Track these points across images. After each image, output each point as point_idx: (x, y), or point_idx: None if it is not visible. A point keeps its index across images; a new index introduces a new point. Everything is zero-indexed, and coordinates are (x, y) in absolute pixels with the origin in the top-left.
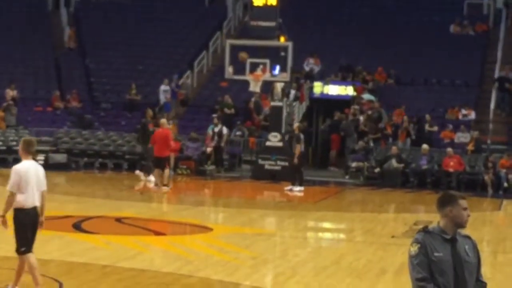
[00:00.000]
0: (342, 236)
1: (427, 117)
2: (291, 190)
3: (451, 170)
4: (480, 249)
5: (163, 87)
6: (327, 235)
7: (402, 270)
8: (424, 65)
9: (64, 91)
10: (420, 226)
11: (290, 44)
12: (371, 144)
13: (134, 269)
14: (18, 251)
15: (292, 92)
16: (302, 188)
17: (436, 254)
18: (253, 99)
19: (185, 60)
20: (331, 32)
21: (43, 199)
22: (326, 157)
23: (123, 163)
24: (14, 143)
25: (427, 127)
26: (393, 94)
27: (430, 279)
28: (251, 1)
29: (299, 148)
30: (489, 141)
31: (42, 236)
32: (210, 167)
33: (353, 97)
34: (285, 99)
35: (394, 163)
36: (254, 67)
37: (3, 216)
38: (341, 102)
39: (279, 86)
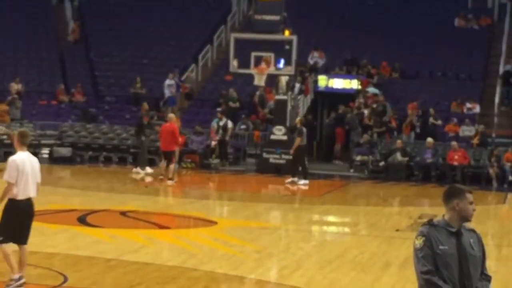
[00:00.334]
0: (346, 229)
1: (431, 110)
2: (292, 183)
3: (455, 163)
4: (485, 242)
5: (167, 81)
6: (332, 228)
7: (407, 264)
8: (428, 59)
9: (69, 84)
10: (425, 220)
11: (294, 38)
12: (376, 137)
13: (138, 263)
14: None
15: (297, 85)
16: (306, 181)
17: (441, 247)
18: (257, 93)
19: (190, 53)
20: (336, 25)
21: (36, 191)
22: (330, 150)
23: (128, 156)
24: None
25: (431, 120)
26: (397, 88)
27: (435, 272)
28: None
29: (298, 141)
30: (494, 135)
31: (47, 230)
32: (214, 161)
33: (357, 91)
34: (289, 92)
35: (398, 156)
36: (258, 60)
37: None
38: (346, 96)
39: (283, 80)
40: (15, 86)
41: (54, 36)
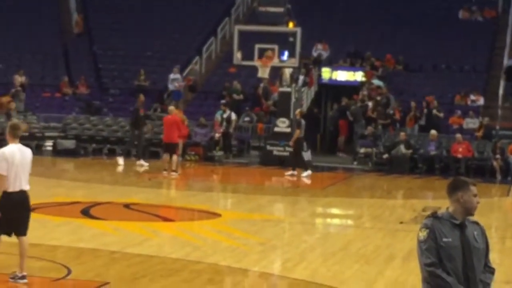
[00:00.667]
0: (350, 222)
1: (435, 102)
2: (291, 175)
3: (459, 156)
4: (488, 235)
5: (172, 75)
6: (335, 221)
7: (410, 256)
8: (432, 51)
9: (73, 77)
10: (428, 212)
11: (298, 30)
12: (380, 129)
13: (142, 255)
14: None
15: (301, 77)
16: (309, 172)
17: (444, 239)
18: (261, 85)
19: (194, 46)
20: (340, 18)
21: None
22: (334, 143)
23: (132, 149)
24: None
25: (434, 112)
26: (401, 80)
27: (439, 264)
28: None
29: (297, 133)
30: (497, 127)
31: (50, 222)
32: (218, 153)
33: (361, 83)
34: (293, 84)
35: (402, 149)
36: (262, 52)
37: None
38: (350, 88)
39: (287, 72)
40: (19, 79)
41: (58, 28)
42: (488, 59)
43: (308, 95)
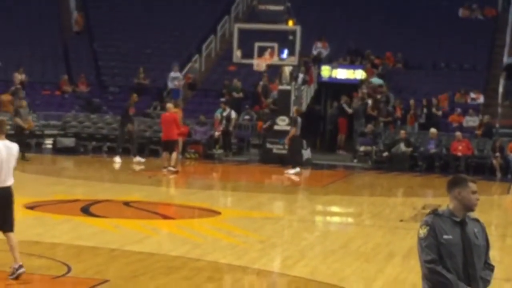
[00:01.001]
0: (350, 220)
1: (434, 100)
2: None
3: (459, 154)
4: (489, 232)
5: (172, 74)
6: (335, 219)
7: (411, 254)
8: (432, 49)
9: (72, 75)
10: (428, 210)
11: (298, 28)
12: (381, 126)
13: (142, 253)
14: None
15: (300, 75)
16: (298, 170)
17: (445, 236)
18: (261, 83)
19: (193, 44)
20: (339, 15)
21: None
22: (334, 141)
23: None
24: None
25: (433, 110)
26: (401, 78)
27: (439, 261)
28: None
29: (293, 131)
30: (497, 125)
31: (50, 220)
32: (218, 151)
33: (361, 81)
34: (293, 82)
35: (402, 147)
36: (262, 51)
37: None
38: (349, 86)
39: (287, 70)
40: (19, 76)
41: (57, 26)
42: (488, 58)
43: (308, 93)
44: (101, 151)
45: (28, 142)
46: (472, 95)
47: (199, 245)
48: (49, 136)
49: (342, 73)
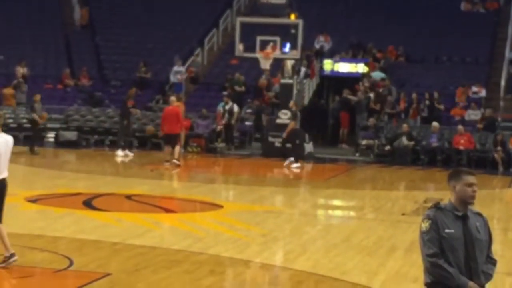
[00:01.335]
0: (352, 213)
1: (435, 94)
2: (297, 167)
3: (461, 147)
4: (491, 226)
5: (175, 68)
6: (337, 212)
7: (413, 248)
8: (434, 43)
9: (74, 68)
10: (430, 204)
11: (300, 22)
12: (386, 118)
13: (144, 246)
14: None
15: (303, 69)
16: (292, 158)
17: (447, 230)
18: (263, 77)
19: (195, 37)
20: (341, 9)
21: None
22: (336, 134)
23: (133, 140)
24: (25, 120)
25: (435, 104)
26: (403, 72)
27: (441, 255)
28: None
29: (292, 125)
30: (499, 119)
31: (52, 213)
32: (220, 145)
33: (363, 74)
34: (295, 76)
35: (404, 140)
36: (264, 44)
37: None
38: (352, 80)
39: (289, 64)
40: (21, 70)
41: (59, 20)
42: (490, 51)
43: (310, 87)
44: (103, 145)
45: (41, 136)
46: (474, 88)
47: (201, 239)
48: (51, 129)
49: (344, 67)
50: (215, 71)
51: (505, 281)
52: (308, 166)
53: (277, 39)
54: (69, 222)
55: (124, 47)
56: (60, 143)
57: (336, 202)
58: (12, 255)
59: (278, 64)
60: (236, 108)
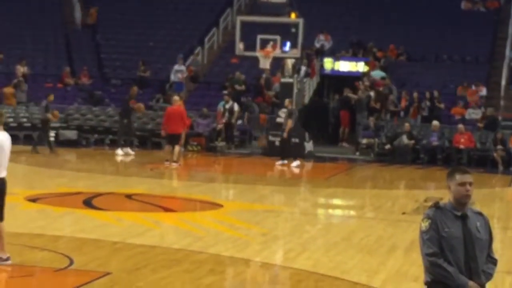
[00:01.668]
0: (352, 212)
1: (435, 93)
2: (282, 164)
3: (461, 146)
4: (490, 225)
5: (176, 67)
6: (338, 211)
7: (413, 247)
8: (434, 42)
9: (75, 67)
10: (430, 203)
11: (300, 21)
12: (388, 117)
13: (144, 246)
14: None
15: (303, 68)
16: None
17: (446, 230)
18: (263, 75)
19: (196, 36)
20: (342, 8)
21: None
22: (336, 133)
23: (133, 139)
24: (25, 119)
25: (436, 103)
26: (403, 71)
27: (440, 254)
28: None
29: (290, 123)
30: (500, 118)
31: (52, 212)
32: (220, 144)
33: (363, 73)
34: (295, 75)
35: (404, 139)
36: (264, 43)
37: None
38: (352, 79)
39: (289, 63)
40: (21, 69)
41: (60, 19)
42: (491, 50)
43: (310, 86)
44: (103, 144)
45: (29, 135)
46: (474, 87)
47: (201, 238)
48: (52, 128)
49: (345, 66)
50: (216, 70)
51: (505, 279)
52: (308, 165)
53: (278, 38)
54: (69, 221)
55: (124, 46)
56: (60, 142)
57: (336, 201)
58: (8, 258)
59: (278, 63)
60: (236, 107)
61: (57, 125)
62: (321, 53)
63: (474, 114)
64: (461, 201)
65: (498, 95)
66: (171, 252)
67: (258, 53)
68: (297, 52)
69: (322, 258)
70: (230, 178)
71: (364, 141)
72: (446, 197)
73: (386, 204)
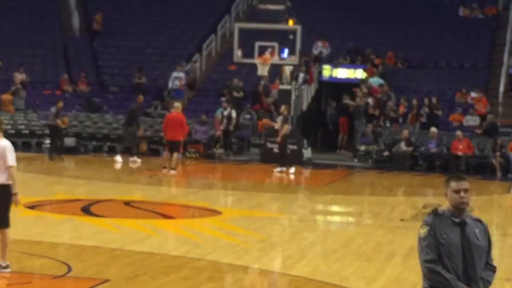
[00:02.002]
0: (351, 219)
1: (433, 100)
2: (280, 171)
3: (460, 153)
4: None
5: (175, 74)
6: (336, 218)
7: (411, 254)
8: (433, 48)
9: (73, 74)
10: (429, 209)
11: (298, 28)
12: (387, 123)
13: (143, 253)
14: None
15: (301, 75)
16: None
17: (445, 236)
18: (262, 82)
19: (194, 43)
20: (339, 15)
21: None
22: (334, 140)
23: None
24: (23, 126)
25: (434, 110)
26: (402, 78)
27: (438, 261)
28: None
29: (285, 129)
30: (498, 124)
31: (51, 219)
32: (218, 151)
33: (361, 80)
34: (293, 82)
35: (403, 146)
36: (262, 50)
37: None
38: (350, 85)
39: (287, 70)
40: (19, 76)
41: (58, 26)
42: (489, 56)
43: (308, 92)
44: (102, 151)
45: (28, 142)
46: (473, 94)
47: (200, 245)
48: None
49: (343, 73)
50: (214, 76)
51: (504, 286)
52: (307, 172)
53: (276, 44)
54: (67, 228)
55: (122, 53)
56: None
57: (335, 208)
58: (7, 266)
59: (276, 70)
60: (234, 114)
61: None
62: (319, 60)
63: (472, 120)
64: (457, 208)
65: (496, 102)
66: (169, 259)
67: (256, 60)
68: (295, 59)
69: (320, 265)
70: (228, 185)
71: (363, 148)
72: (444, 204)
73: (384, 211)
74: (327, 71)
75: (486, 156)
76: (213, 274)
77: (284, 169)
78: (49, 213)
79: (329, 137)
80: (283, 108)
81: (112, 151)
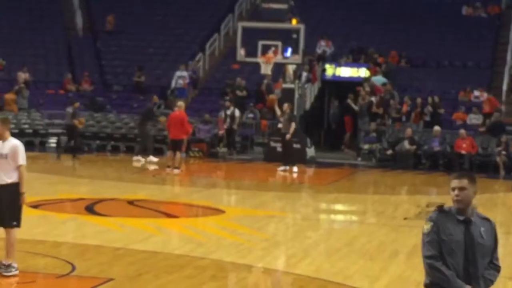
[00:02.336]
0: (354, 218)
1: (436, 98)
2: (284, 170)
3: (463, 152)
4: None
5: (178, 73)
6: (340, 217)
7: (415, 252)
8: (436, 47)
9: (76, 74)
10: (432, 208)
11: (302, 27)
12: (390, 122)
13: (146, 252)
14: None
15: (304, 74)
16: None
17: (448, 233)
18: (265, 81)
19: (197, 42)
20: (343, 14)
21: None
22: (338, 139)
23: (135, 145)
24: (27, 126)
25: (437, 109)
26: (405, 76)
27: (439, 257)
28: None
29: (293, 126)
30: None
31: (54, 219)
32: (222, 150)
33: (364, 79)
34: (297, 81)
35: (406, 145)
36: (266, 49)
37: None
38: (353, 84)
39: (291, 68)
40: (23, 75)
41: (61, 25)
42: (492, 55)
43: (312, 91)
44: (105, 150)
45: (31, 141)
46: (476, 93)
47: (203, 244)
48: (53, 135)
49: (346, 72)
50: (217, 76)
51: (507, 285)
52: (310, 171)
53: (279, 43)
54: (71, 227)
55: (125, 52)
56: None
57: (338, 207)
58: (9, 265)
59: (279, 69)
60: (237, 112)
61: (59, 131)
62: (323, 59)
63: (475, 119)
64: (456, 205)
65: (499, 100)
66: (173, 258)
67: (260, 59)
68: (298, 58)
69: (324, 263)
70: (232, 184)
71: (366, 146)
72: (448, 202)
73: (388, 209)
74: (330, 70)
75: (489, 154)
76: (217, 273)
77: (287, 168)
78: (53, 212)
79: (332, 136)
80: (285, 106)
81: (116, 150)
